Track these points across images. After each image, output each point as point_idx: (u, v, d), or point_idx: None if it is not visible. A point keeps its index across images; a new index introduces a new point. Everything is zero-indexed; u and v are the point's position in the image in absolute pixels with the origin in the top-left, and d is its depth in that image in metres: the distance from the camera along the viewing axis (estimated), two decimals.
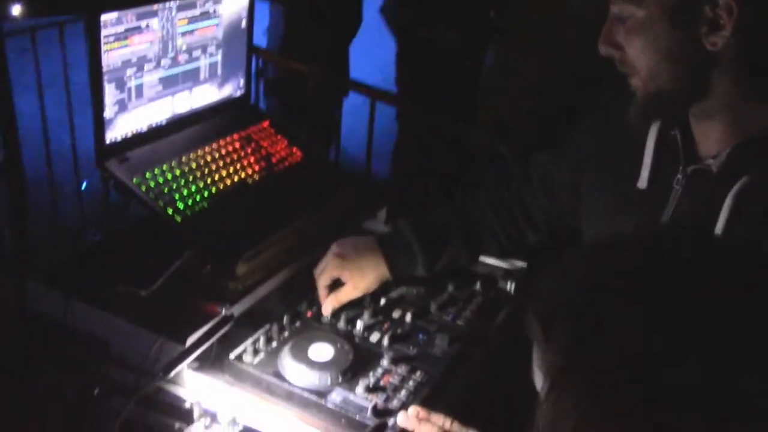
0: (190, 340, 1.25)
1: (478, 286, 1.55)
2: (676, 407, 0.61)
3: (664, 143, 1.19)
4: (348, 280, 1.43)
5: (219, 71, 1.66)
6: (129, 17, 1.37)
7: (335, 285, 1.44)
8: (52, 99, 2.77)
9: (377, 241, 1.48)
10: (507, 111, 3.56)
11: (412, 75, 3.34)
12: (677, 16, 1.03)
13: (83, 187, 2.75)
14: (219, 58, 1.65)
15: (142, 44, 1.43)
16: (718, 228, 1.08)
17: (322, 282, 1.44)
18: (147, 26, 1.42)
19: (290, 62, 3.05)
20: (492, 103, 3.36)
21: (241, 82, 1.75)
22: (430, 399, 1.26)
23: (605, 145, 1.31)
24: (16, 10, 2.13)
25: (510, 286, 1.57)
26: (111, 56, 1.37)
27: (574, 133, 1.42)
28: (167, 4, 1.46)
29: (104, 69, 1.36)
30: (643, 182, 1.20)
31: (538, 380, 0.72)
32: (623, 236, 0.77)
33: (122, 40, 1.38)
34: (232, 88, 1.73)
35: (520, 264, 1.64)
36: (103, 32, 1.33)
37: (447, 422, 1.18)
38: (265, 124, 1.74)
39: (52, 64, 2.69)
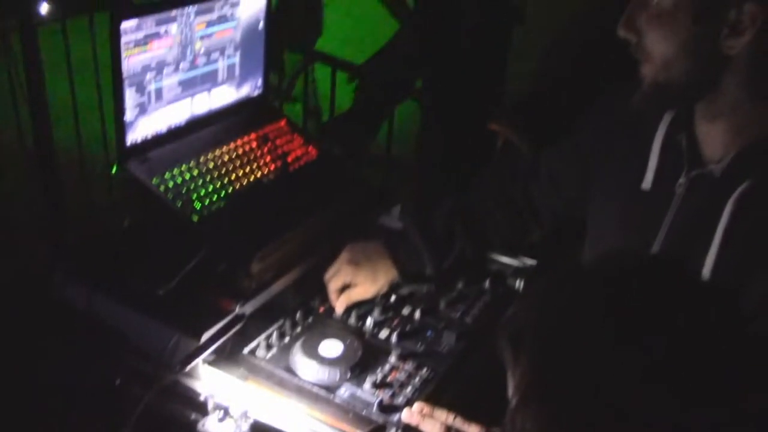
0: (205, 336, 1.31)
1: (487, 283, 1.59)
2: (636, 427, 0.64)
3: (670, 146, 1.21)
4: (360, 284, 1.49)
5: (237, 72, 1.71)
6: (148, 23, 1.42)
7: (345, 288, 1.50)
8: (84, 82, 2.81)
9: (385, 245, 1.53)
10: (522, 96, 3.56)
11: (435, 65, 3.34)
12: (701, 13, 1.05)
13: (113, 171, 2.82)
14: (237, 59, 1.69)
15: (161, 49, 1.48)
16: (717, 234, 1.10)
17: (334, 286, 1.49)
18: (166, 31, 1.47)
19: None
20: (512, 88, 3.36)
21: (259, 81, 1.80)
22: (435, 395, 1.30)
23: (613, 144, 1.33)
24: (44, 8, 2.21)
25: (519, 284, 1.60)
26: (131, 62, 1.42)
27: (583, 130, 1.44)
28: (186, 9, 1.50)
29: (125, 74, 1.41)
30: (647, 184, 1.23)
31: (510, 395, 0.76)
32: (594, 262, 0.80)
33: (142, 46, 1.43)
34: (249, 88, 1.77)
35: (530, 262, 1.67)
36: (123, 39, 1.38)
37: (450, 417, 1.22)
38: (282, 122, 1.78)
39: (85, 45, 2.73)
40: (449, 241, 1.55)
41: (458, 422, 1.22)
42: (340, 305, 1.48)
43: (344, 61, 3.00)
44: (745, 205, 1.08)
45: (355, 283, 1.48)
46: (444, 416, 1.22)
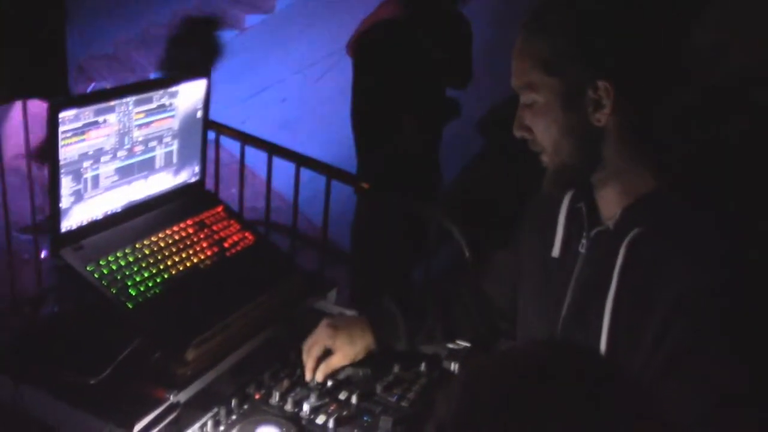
0: (138, 427, 1.28)
1: (422, 366, 1.61)
2: None
3: (573, 215, 1.34)
4: (338, 349, 1.54)
5: (174, 159, 1.74)
6: (87, 113, 1.45)
7: (324, 356, 1.54)
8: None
9: (364, 316, 1.61)
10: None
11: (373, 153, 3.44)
12: (567, 100, 1.21)
13: (42, 256, 2.77)
14: (175, 147, 1.72)
15: (99, 138, 1.50)
16: (614, 276, 1.20)
17: (314, 352, 1.54)
18: (104, 121, 1.50)
19: None
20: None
21: (197, 168, 1.82)
22: None
23: (533, 223, 1.46)
24: None
25: (454, 367, 1.63)
26: (68, 150, 1.43)
27: (522, 221, 1.54)
28: (125, 99, 1.53)
29: (61, 162, 1.42)
30: (555, 251, 1.36)
31: None
32: (502, 354, 0.86)
33: (80, 135, 1.45)
34: (187, 175, 1.80)
35: (464, 344, 1.71)
36: (61, 128, 1.40)
37: None
38: (219, 208, 1.80)
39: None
40: (423, 319, 1.62)
41: None
42: (320, 374, 1.52)
43: (282, 147, 3.05)
44: (636, 248, 1.20)
45: (333, 347, 1.54)
46: None
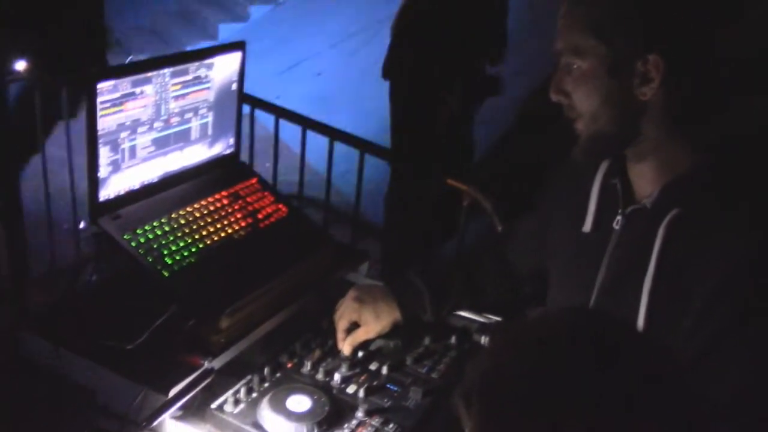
0: (173, 392, 1.32)
1: (453, 339, 1.62)
2: None
3: (606, 191, 1.32)
4: (364, 323, 1.56)
5: (210, 131, 1.75)
6: (124, 85, 1.47)
7: (352, 328, 1.56)
8: (53, 138, 2.83)
9: (390, 288, 1.61)
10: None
11: (410, 129, 3.43)
12: (614, 69, 1.18)
13: (81, 225, 2.83)
14: (210, 119, 1.74)
15: (136, 109, 1.52)
16: (653, 258, 1.19)
17: (342, 326, 1.56)
18: (141, 92, 1.52)
19: None
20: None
21: (231, 140, 1.84)
22: None
23: (563, 198, 1.44)
24: (20, 65, 2.24)
25: (484, 340, 1.63)
26: (106, 121, 1.46)
27: (548, 194, 1.53)
28: (161, 71, 1.55)
29: (99, 132, 1.45)
30: (587, 227, 1.34)
31: None
32: (533, 321, 0.86)
33: (117, 106, 1.47)
34: (222, 147, 1.81)
35: (495, 318, 1.71)
36: (99, 99, 1.42)
37: None
38: (254, 180, 1.82)
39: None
40: (449, 290, 1.62)
41: None
42: (346, 346, 1.54)
43: (313, 120, 3.06)
44: (675, 229, 1.18)
45: (360, 321, 1.55)
46: None
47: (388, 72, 3.40)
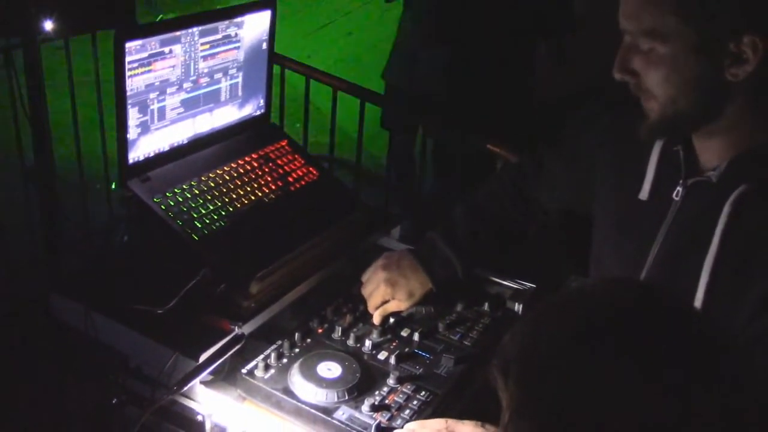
0: (203, 357, 1.31)
1: (486, 306, 1.59)
2: None
3: (667, 158, 1.25)
4: (397, 299, 1.53)
5: (240, 92, 1.72)
6: (153, 44, 1.43)
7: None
8: (84, 98, 2.82)
9: (417, 259, 1.56)
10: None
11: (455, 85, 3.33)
12: (702, 51, 1.09)
13: (113, 187, 2.83)
14: (240, 79, 1.71)
15: (165, 69, 1.49)
16: (716, 235, 1.13)
17: (374, 303, 1.53)
18: (170, 52, 1.48)
19: None
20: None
21: (261, 101, 1.81)
22: (433, 418, 1.29)
23: (612, 156, 1.37)
24: (49, 26, 2.22)
25: (518, 307, 1.60)
26: (135, 81, 1.43)
27: (579, 143, 1.49)
28: (190, 30, 1.52)
29: (128, 93, 1.42)
30: (644, 194, 1.27)
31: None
32: (575, 292, 0.83)
33: (146, 66, 1.44)
34: (252, 108, 1.78)
35: (529, 285, 1.68)
36: (128, 59, 1.39)
37: (442, 423, 1.24)
38: (284, 142, 1.79)
39: (87, 61, 2.74)
40: (476, 247, 1.59)
41: (452, 423, 1.24)
42: (377, 318, 1.52)
43: (346, 81, 3.01)
44: (743, 206, 1.12)
45: (393, 299, 1.53)
46: (437, 424, 1.24)
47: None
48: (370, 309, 1.54)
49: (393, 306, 1.53)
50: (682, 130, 1.20)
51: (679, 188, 1.22)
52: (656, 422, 0.70)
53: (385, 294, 1.53)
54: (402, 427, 1.26)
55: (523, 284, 1.67)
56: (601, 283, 0.86)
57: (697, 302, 1.14)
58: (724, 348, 0.75)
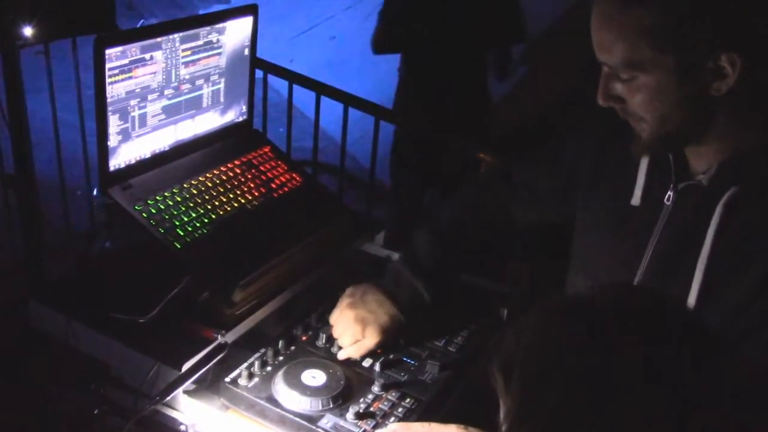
0: (186, 366, 1.29)
1: (471, 312, 1.58)
2: None
3: (657, 163, 1.26)
4: (369, 337, 1.45)
5: (222, 98, 1.71)
6: (133, 50, 1.42)
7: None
8: (65, 103, 2.79)
9: (382, 292, 1.49)
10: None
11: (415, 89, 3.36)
12: (682, 74, 1.10)
13: (95, 193, 2.81)
14: (222, 85, 1.70)
15: (145, 75, 1.48)
16: (708, 236, 1.15)
17: (346, 344, 1.44)
18: (151, 58, 1.47)
19: None
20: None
21: (244, 107, 1.80)
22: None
23: (599, 164, 1.37)
24: (28, 32, 2.20)
25: (503, 313, 1.60)
26: (115, 88, 1.42)
27: (562, 151, 1.48)
28: (171, 36, 1.50)
29: (108, 100, 1.41)
30: (636, 200, 1.28)
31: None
32: (578, 295, 0.83)
33: (126, 73, 1.43)
34: (234, 114, 1.77)
35: (513, 290, 1.68)
36: (108, 65, 1.38)
37: (426, 427, 1.23)
38: (267, 149, 1.78)
39: (67, 67, 2.71)
40: (436, 265, 1.53)
41: (435, 427, 1.23)
42: (356, 354, 1.44)
43: (330, 86, 3.00)
44: (734, 208, 1.14)
45: (364, 337, 1.45)
46: (420, 428, 1.24)
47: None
48: (343, 352, 1.44)
49: (366, 345, 1.45)
50: (675, 146, 1.22)
51: (670, 192, 1.23)
52: (657, 422, 0.70)
53: (355, 334, 1.44)
54: None
55: (508, 290, 1.67)
56: (603, 288, 0.87)
57: (691, 301, 1.15)
58: (723, 348, 0.76)
